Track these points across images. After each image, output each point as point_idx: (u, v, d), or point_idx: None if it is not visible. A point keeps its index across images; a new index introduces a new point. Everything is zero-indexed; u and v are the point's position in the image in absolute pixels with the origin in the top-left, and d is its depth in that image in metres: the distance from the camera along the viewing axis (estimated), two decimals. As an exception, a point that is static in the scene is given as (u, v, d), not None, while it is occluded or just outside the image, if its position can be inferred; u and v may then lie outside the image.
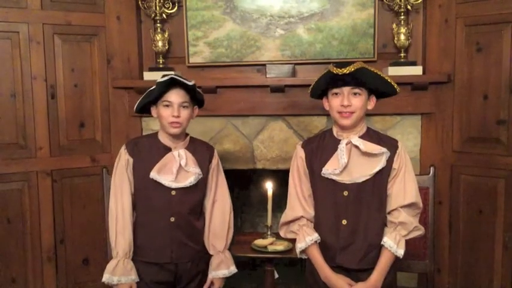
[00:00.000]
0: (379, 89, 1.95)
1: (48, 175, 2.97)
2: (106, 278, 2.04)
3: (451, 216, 2.91)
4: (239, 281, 3.20)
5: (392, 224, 1.94)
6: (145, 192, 2.11)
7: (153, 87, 2.05)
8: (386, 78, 1.92)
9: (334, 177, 1.93)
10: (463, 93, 2.82)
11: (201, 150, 2.19)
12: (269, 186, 2.68)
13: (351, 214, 1.93)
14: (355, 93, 1.90)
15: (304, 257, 2.04)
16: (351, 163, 1.92)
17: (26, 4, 2.86)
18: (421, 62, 2.95)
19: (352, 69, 1.83)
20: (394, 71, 2.81)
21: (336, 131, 2.01)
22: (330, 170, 1.93)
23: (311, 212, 2.02)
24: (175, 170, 2.07)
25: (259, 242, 2.56)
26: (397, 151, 1.96)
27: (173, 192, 2.09)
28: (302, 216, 2.01)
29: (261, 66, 3.09)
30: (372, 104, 1.98)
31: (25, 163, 2.91)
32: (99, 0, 3.04)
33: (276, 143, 3.11)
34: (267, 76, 3.02)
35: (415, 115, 2.98)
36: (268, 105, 3.04)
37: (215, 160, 2.23)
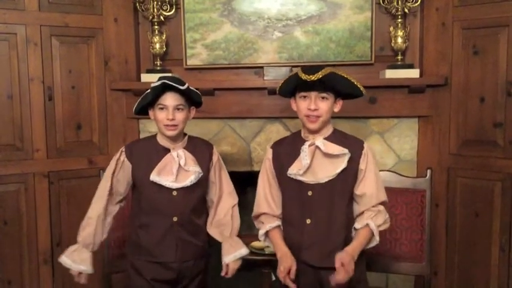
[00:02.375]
0: (346, 92, 1.97)
1: (45, 177, 2.96)
2: (62, 259, 2.12)
3: (448, 219, 2.91)
4: (236, 283, 3.19)
5: (371, 211, 1.97)
6: (148, 194, 2.13)
7: (149, 90, 2.06)
8: (353, 81, 1.94)
9: (299, 178, 1.97)
10: (459, 96, 2.82)
11: (200, 149, 2.21)
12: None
13: (314, 213, 1.97)
14: (322, 98, 1.93)
15: (267, 243, 2.14)
16: (315, 164, 1.96)
17: (24, 6, 2.86)
18: (418, 65, 2.96)
19: (320, 76, 1.85)
20: (391, 74, 2.83)
21: (303, 133, 2.05)
22: (294, 170, 1.97)
23: (276, 211, 2.08)
24: (175, 171, 2.09)
25: (257, 244, 2.55)
26: (363, 151, 1.99)
27: (174, 193, 2.11)
28: (266, 213, 2.09)
29: (258, 69, 3.09)
30: (338, 106, 2.00)
31: (22, 165, 2.91)
32: (97, 2, 3.04)
33: (273, 146, 3.11)
34: (265, 78, 3.02)
35: (412, 118, 2.98)
36: (265, 108, 3.05)
37: (215, 157, 2.25)
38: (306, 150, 1.97)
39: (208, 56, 3.07)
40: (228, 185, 2.29)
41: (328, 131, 2.01)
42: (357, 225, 1.98)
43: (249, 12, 3.02)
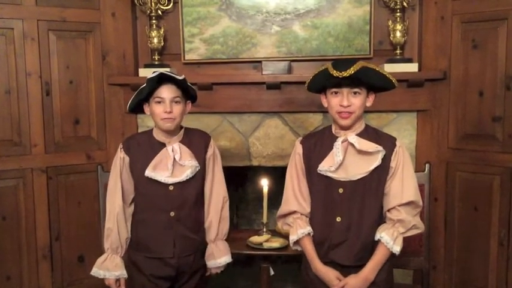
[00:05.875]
0: (378, 85, 1.92)
1: (43, 172, 2.96)
2: (94, 271, 2.13)
3: (447, 213, 2.91)
4: (234, 278, 3.20)
5: (390, 221, 1.93)
6: (144, 189, 2.12)
7: (144, 84, 2.04)
8: (385, 74, 1.89)
9: (329, 174, 1.93)
10: (458, 90, 2.82)
11: (196, 141, 2.18)
12: (265, 183, 2.68)
13: (345, 211, 1.93)
14: (354, 93, 1.87)
15: (298, 248, 2.05)
16: (347, 161, 1.92)
17: (21, 0, 2.85)
18: (417, 59, 2.95)
19: (352, 72, 1.79)
20: (390, 68, 2.80)
21: (334, 129, 2.00)
22: (325, 167, 1.93)
23: (307, 208, 2.02)
24: (171, 166, 2.07)
25: (255, 239, 2.55)
26: (395, 149, 1.93)
27: (171, 188, 2.09)
28: (296, 211, 2.02)
29: (257, 63, 3.08)
30: (370, 100, 1.95)
31: (20, 160, 2.91)
32: (94, -4, 3.03)
33: (272, 140, 3.11)
34: (263, 73, 3.00)
35: (410, 112, 2.97)
36: (264, 102, 3.04)
37: (211, 149, 2.21)
38: (338, 146, 1.92)
39: (206, 51, 3.06)
40: (219, 182, 2.24)
41: (360, 127, 1.96)
42: (376, 235, 1.92)
43: (247, 6, 3.00)
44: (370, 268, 1.90)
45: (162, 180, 2.07)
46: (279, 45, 3.02)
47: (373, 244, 1.93)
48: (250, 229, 3.39)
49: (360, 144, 1.90)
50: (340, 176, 1.92)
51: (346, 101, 1.86)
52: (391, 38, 2.89)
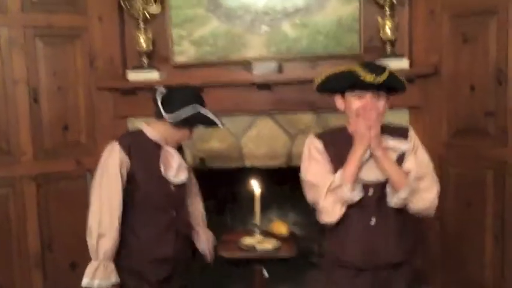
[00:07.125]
0: (397, 90, 1.89)
1: (32, 179, 2.93)
2: (85, 282, 2.01)
3: (440, 209, 2.87)
4: (227, 280, 3.17)
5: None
6: (147, 190, 2.10)
7: (195, 111, 2.11)
8: (402, 78, 1.89)
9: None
10: (450, 85, 2.80)
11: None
12: (255, 184, 2.63)
13: (377, 213, 1.88)
14: (378, 96, 1.84)
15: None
16: (370, 161, 1.86)
17: (6, 8, 2.82)
18: (408, 54, 2.92)
19: (386, 77, 1.77)
20: (380, 65, 2.79)
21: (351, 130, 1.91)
22: None
23: None
24: (176, 165, 2.15)
25: (247, 240, 2.51)
26: (409, 135, 1.94)
27: (172, 188, 2.16)
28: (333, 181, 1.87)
29: (247, 64, 3.04)
30: (389, 103, 1.91)
31: (9, 168, 2.88)
32: (81, 1, 2.99)
33: (264, 141, 3.09)
34: (253, 73, 2.97)
35: (402, 109, 2.95)
36: (255, 103, 3.02)
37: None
38: None
39: (195, 52, 3.03)
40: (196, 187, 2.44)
41: None
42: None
43: (235, 6, 2.98)
44: (389, 159, 1.85)
45: (170, 180, 2.14)
46: (268, 45, 2.99)
47: (402, 245, 1.92)
48: (243, 230, 3.35)
49: (387, 142, 1.88)
50: (366, 176, 1.87)
51: (371, 105, 1.82)
52: (381, 35, 2.87)
